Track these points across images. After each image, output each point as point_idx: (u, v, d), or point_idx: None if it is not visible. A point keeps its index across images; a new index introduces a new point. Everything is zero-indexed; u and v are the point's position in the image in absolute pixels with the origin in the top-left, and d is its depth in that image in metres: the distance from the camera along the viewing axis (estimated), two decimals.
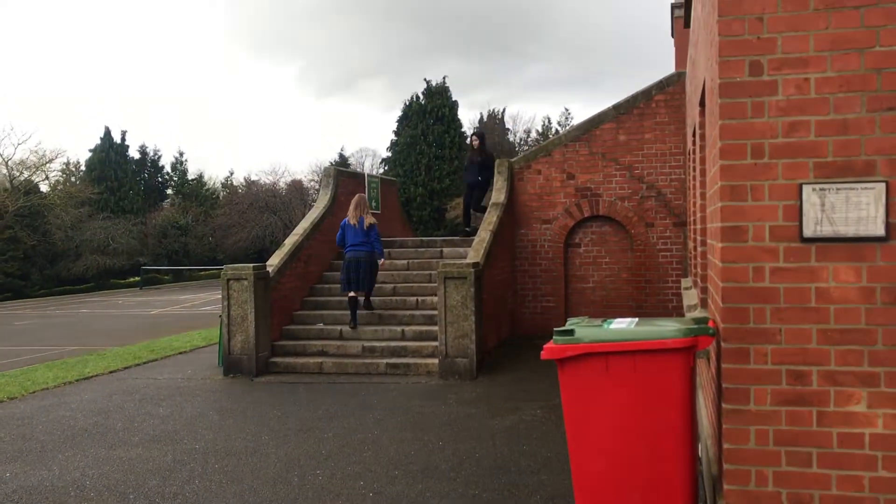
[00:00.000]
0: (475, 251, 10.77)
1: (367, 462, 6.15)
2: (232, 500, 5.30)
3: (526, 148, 45.97)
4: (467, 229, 13.85)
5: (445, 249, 13.01)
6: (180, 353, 12.86)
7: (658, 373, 3.77)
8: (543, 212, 12.98)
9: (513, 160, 13.39)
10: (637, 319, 4.17)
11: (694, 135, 7.61)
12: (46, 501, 5.39)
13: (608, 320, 4.19)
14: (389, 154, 43.31)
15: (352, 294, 10.93)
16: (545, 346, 3.93)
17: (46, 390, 9.72)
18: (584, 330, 3.91)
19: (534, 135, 49.90)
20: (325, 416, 7.81)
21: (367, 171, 41.12)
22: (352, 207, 11.10)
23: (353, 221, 10.98)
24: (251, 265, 10.50)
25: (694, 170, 8.00)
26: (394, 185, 16.88)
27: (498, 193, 12.64)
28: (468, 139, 12.99)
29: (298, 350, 10.88)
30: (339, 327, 11.13)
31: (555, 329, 3.97)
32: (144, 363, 11.79)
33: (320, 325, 11.34)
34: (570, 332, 3.89)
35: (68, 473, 6.05)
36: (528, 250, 13.06)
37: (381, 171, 44.48)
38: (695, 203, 7.81)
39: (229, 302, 10.39)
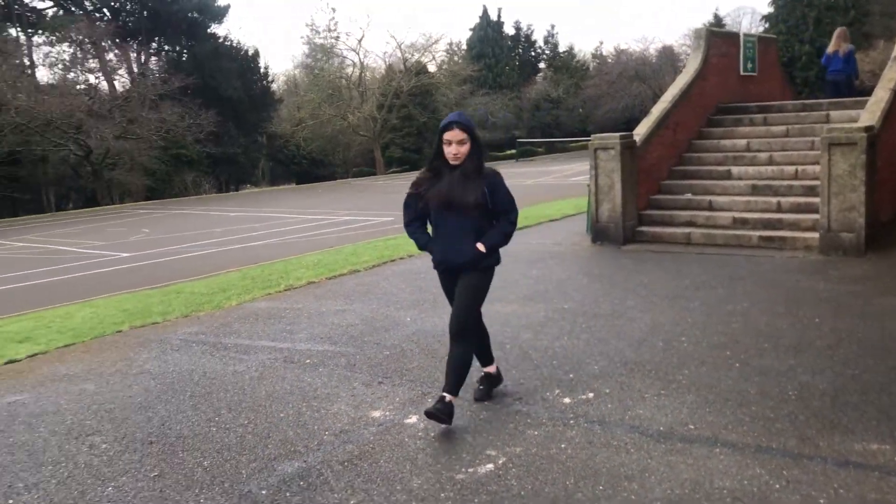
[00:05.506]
0: (870, 112, 9.51)
1: (735, 333, 6.03)
2: (598, 358, 5.59)
3: None
4: None
5: (833, 113, 11.65)
6: (551, 220, 13.53)
7: None
8: None
9: None
10: None
11: None
12: (438, 344, 6.18)
13: None
14: (771, 10, 39.24)
15: None
16: None
17: None
18: None
19: None
20: (692, 285, 7.75)
21: (744, 30, 37.81)
22: (834, 39, 13.14)
23: (830, 50, 13.08)
24: (617, 134, 10.51)
25: None
26: (772, 43, 15.36)
27: None
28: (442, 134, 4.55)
29: (665, 220, 10.78)
30: (707, 198, 10.76)
31: None
32: (520, 229, 12.60)
33: (688, 195, 11.06)
34: None
35: None
36: None
37: (762, 29, 40.66)
38: None
39: (597, 171, 10.58)
